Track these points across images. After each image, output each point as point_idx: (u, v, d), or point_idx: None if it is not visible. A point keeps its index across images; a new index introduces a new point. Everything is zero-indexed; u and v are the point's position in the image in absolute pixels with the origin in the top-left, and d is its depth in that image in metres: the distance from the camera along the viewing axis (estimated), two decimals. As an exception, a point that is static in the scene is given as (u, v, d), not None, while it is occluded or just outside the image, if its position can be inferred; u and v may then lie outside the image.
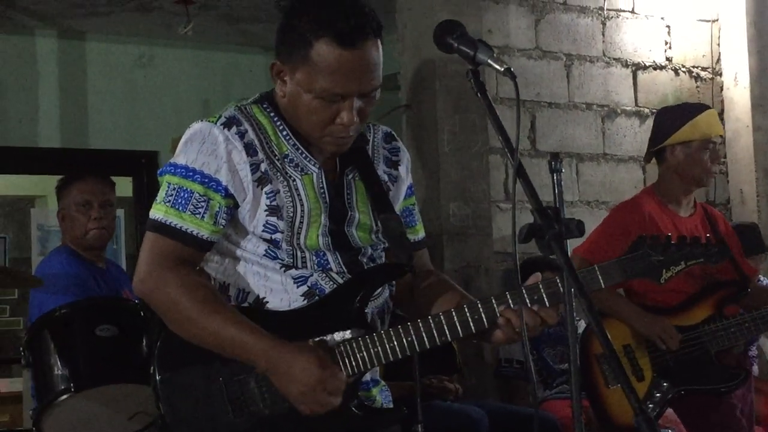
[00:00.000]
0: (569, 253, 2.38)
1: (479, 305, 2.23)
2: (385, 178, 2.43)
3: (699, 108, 4.06)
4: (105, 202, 4.35)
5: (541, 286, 2.23)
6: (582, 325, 4.92)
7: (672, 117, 4.02)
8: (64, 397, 3.66)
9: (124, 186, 7.12)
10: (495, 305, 2.22)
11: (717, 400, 3.73)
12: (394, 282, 2.41)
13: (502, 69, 2.10)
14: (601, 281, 2.26)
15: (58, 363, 3.69)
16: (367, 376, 2.34)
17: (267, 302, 2.28)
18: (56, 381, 3.69)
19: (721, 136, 4.04)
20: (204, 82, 7.28)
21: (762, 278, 4.12)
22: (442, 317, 2.23)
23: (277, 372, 2.17)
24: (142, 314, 3.89)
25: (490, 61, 2.13)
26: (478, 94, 2.15)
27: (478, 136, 5.42)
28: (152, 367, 2.27)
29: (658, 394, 3.73)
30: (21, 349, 3.81)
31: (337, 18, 2.18)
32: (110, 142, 7.02)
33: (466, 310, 2.23)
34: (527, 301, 2.22)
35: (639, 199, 4.01)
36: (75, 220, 4.29)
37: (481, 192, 5.41)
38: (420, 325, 2.23)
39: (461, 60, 2.18)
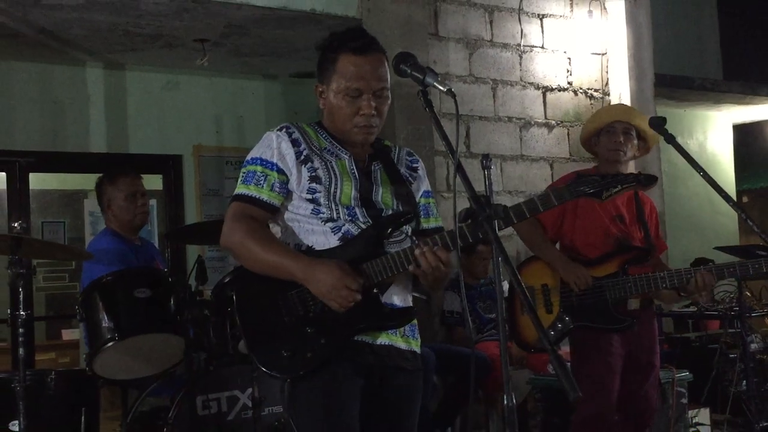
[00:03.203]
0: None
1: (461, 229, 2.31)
2: (407, 175, 2.54)
3: (604, 107, 4.00)
4: (143, 192, 4.32)
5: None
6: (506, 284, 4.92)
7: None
8: (110, 344, 3.61)
9: (156, 182, 7.05)
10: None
11: (600, 336, 3.65)
12: (414, 237, 2.46)
13: (445, 90, 2.11)
14: (554, 201, 2.30)
15: (105, 318, 3.65)
16: (396, 301, 2.42)
17: (314, 248, 2.39)
18: (104, 332, 3.64)
19: (627, 121, 3.76)
20: (216, 102, 7.20)
21: None
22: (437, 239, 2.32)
23: (310, 279, 2.28)
24: (169, 280, 3.85)
25: (435, 83, 2.14)
26: (427, 110, 2.16)
27: (426, 141, 5.39)
28: (231, 293, 2.45)
29: (560, 325, 3.65)
30: (76, 307, 3.75)
31: (353, 39, 2.41)
32: (145, 148, 6.92)
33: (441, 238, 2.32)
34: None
35: (573, 175, 3.89)
36: (124, 208, 4.24)
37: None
38: (416, 247, 2.31)
39: (413, 83, 2.18)
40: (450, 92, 2.08)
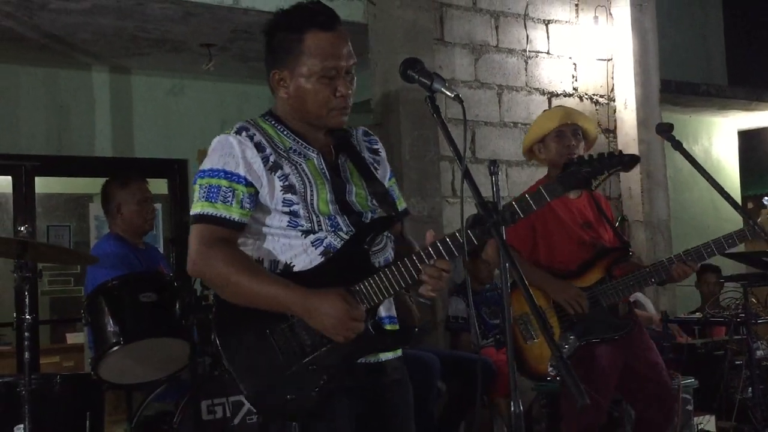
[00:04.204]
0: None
1: (451, 236, 2.14)
2: (371, 161, 2.36)
3: (545, 111, 3.97)
4: (151, 198, 4.33)
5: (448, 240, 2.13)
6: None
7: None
8: (115, 348, 3.60)
9: (161, 186, 7.05)
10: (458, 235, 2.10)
11: (595, 348, 3.57)
12: (393, 238, 2.32)
13: (453, 95, 2.06)
14: (547, 197, 2.15)
15: (110, 322, 3.63)
16: (383, 313, 2.25)
17: (293, 266, 2.18)
18: (109, 336, 3.63)
19: (574, 123, 3.70)
20: (222, 107, 7.22)
21: None
22: (430, 249, 2.13)
23: (311, 314, 2.09)
24: (174, 284, 3.84)
25: (443, 89, 2.09)
26: (434, 115, 2.09)
27: (432, 147, 5.39)
28: (212, 334, 2.17)
29: (566, 346, 3.56)
30: (81, 311, 3.75)
31: (314, 15, 2.20)
32: (150, 152, 6.94)
33: (439, 244, 2.14)
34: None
35: (535, 187, 3.84)
36: (136, 212, 4.21)
37: (434, 190, 5.38)
38: (414, 258, 2.14)
39: (419, 89, 2.14)
40: (458, 98, 2.04)
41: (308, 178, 2.19)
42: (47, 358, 7.30)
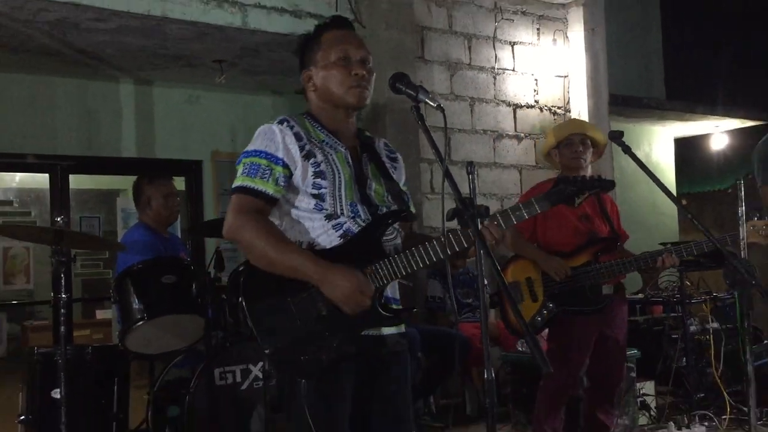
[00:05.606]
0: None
1: (459, 231, 2.13)
2: (390, 166, 2.37)
3: (560, 123, 4.03)
4: (176, 193, 4.31)
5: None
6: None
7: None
8: (140, 323, 3.59)
9: (179, 183, 6.97)
10: (469, 232, 2.09)
11: (574, 319, 3.64)
12: (402, 231, 2.30)
13: (435, 105, 2.07)
14: (537, 209, 2.17)
15: (136, 300, 3.62)
16: (389, 294, 2.22)
17: (316, 245, 2.15)
18: (134, 312, 3.61)
19: (582, 133, 3.80)
20: (232, 115, 7.17)
21: None
22: (435, 243, 2.14)
23: (327, 283, 2.06)
24: (192, 268, 3.82)
25: (427, 99, 2.10)
26: (419, 122, 2.10)
27: (412, 150, 5.37)
28: (239, 297, 2.14)
29: (545, 311, 3.66)
30: (110, 290, 3.72)
31: (330, 21, 2.30)
32: (169, 153, 6.88)
33: (450, 235, 2.14)
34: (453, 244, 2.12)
35: (548, 182, 3.81)
36: (162, 206, 4.18)
37: (415, 188, 5.36)
38: (421, 249, 2.14)
39: (403, 100, 2.14)
40: (439, 107, 2.04)
41: (337, 168, 2.18)
42: (80, 332, 7.27)
